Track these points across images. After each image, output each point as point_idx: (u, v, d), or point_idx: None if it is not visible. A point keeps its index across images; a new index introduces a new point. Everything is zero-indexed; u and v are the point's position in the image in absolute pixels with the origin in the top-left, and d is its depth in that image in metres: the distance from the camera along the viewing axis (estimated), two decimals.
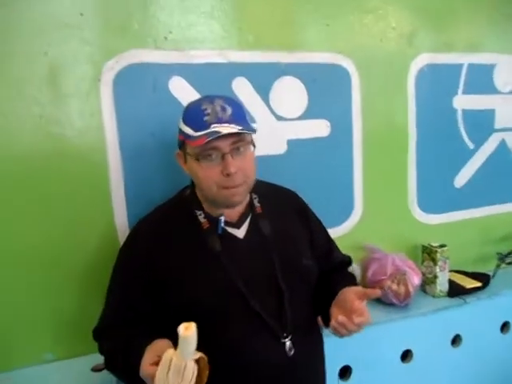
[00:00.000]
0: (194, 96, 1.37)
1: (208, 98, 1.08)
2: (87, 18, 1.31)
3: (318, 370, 1.18)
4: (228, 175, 1.02)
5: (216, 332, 1.04)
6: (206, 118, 1.02)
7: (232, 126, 1.01)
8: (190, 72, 1.43)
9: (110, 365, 1.11)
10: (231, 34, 1.48)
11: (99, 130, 1.36)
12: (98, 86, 1.35)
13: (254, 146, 1.10)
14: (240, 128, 1.01)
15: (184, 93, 1.42)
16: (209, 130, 0.99)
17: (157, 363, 0.86)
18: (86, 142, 1.35)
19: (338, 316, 1.01)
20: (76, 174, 1.36)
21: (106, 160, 1.38)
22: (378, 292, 1.04)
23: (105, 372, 1.30)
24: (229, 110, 1.04)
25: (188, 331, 0.81)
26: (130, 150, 1.40)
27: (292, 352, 1.06)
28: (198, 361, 0.84)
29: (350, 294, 1.04)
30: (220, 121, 1.01)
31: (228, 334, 1.05)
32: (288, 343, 1.06)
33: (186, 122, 1.07)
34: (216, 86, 1.40)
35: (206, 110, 1.04)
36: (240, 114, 1.07)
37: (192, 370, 0.83)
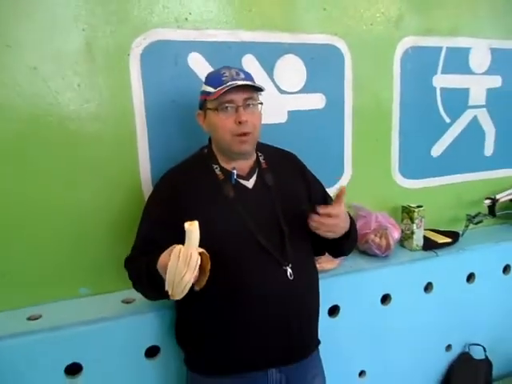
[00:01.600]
0: (210, 69, 1.56)
1: (225, 66, 1.35)
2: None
3: (313, 293, 1.42)
4: (240, 123, 1.27)
5: (230, 262, 1.27)
6: (224, 78, 1.28)
7: (246, 82, 1.27)
8: (206, 49, 1.64)
9: (136, 283, 1.36)
10: (242, 16, 1.68)
11: (128, 98, 1.56)
12: (128, 59, 1.54)
13: (262, 103, 1.34)
14: (252, 82, 1.29)
15: (201, 67, 1.63)
16: (227, 85, 1.25)
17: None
18: (116, 108, 1.55)
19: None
20: (108, 136, 1.56)
21: (133, 124, 1.58)
22: (342, 188, 1.25)
23: (134, 303, 1.56)
24: (242, 74, 1.32)
25: (192, 226, 1.04)
26: (154, 115, 1.60)
27: (292, 277, 1.30)
28: (201, 256, 1.06)
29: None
30: (235, 80, 1.27)
31: (240, 263, 1.28)
32: (289, 270, 1.30)
33: (207, 83, 1.34)
34: (228, 61, 1.54)
35: (224, 73, 1.30)
36: (251, 78, 1.35)
37: (196, 259, 1.04)
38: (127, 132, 1.58)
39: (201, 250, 1.07)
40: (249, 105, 1.30)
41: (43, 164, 1.50)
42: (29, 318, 1.48)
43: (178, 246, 1.06)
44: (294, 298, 1.31)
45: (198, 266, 1.05)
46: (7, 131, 1.44)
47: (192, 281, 1.05)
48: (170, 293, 1.07)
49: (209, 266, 1.08)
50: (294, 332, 1.32)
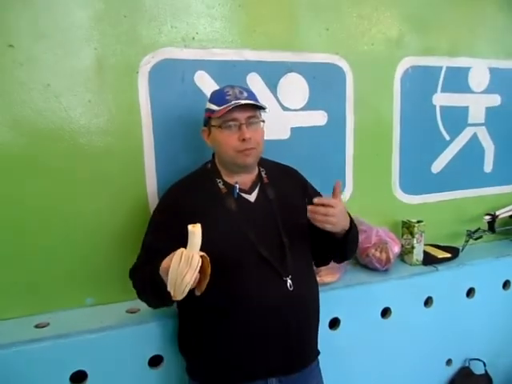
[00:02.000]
0: (215, 87, 1.64)
1: (229, 85, 1.40)
2: (130, 19, 1.57)
3: (313, 304, 1.45)
4: (244, 140, 1.32)
5: (231, 273, 1.31)
6: (227, 97, 1.33)
7: (248, 102, 1.32)
8: (212, 67, 1.70)
9: (139, 292, 1.39)
10: (247, 36, 1.75)
11: (136, 114, 1.62)
12: (136, 77, 1.61)
13: (264, 121, 1.39)
14: (254, 101, 1.34)
15: (206, 84, 1.69)
16: (230, 103, 1.30)
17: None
18: (125, 123, 1.61)
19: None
20: (116, 150, 1.61)
21: (141, 138, 1.64)
22: (337, 182, 1.32)
23: (138, 313, 1.60)
24: (245, 93, 1.37)
25: (195, 228, 1.08)
26: (161, 130, 1.66)
27: (292, 288, 1.33)
28: (202, 259, 1.09)
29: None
30: (238, 99, 1.32)
31: (241, 273, 1.32)
32: (289, 281, 1.33)
33: (211, 101, 1.39)
34: (233, 79, 1.62)
35: (228, 92, 1.36)
36: (254, 97, 1.39)
37: (197, 261, 1.07)
38: (135, 146, 1.64)
39: (202, 253, 1.10)
40: (251, 123, 1.35)
41: (53, 177, 1.55)
42: (36, 326, 1.52)
43: (181, 249, 1.10)
44: (294, 308, 1.34)
45: (198, 268, 1.09)
46: (21, 145, 1.50)
47: (192, 282, 1.08)
48: (171, 293, 1.10)
49: (209, 270, 1.12)
50: (294, 342, 1.35)
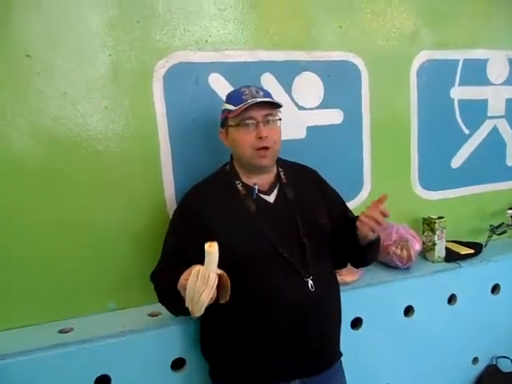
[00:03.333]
0: (230, 89, 1.62)
1: (245, 85, 1.41)
2: (143, 25, 1.58)
3: (334, 304, 1.44)
4: (260, 138, 1.32)
5: (252, 274, 1.31)
6: (244, 97, 1.34)
7: (264, 99, 1.33)
8: (226, 69, 1.70)
9: (161, 299, 1.40)
10: (260, 37, 1.75)
11: (152, 117, 1.63)
12: (151, 81, 1.61)
13: (280, 119, 1.39)
14: (270, 100, 1.34)
15: (221, 86, 1.69)
16: (247, 102, 1.31)
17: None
18: (141, 128, 1.62)
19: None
20: (133, 155, 1.62)
21: (157, 143, 1.65)
22: (385, 195, 1.28)
23: (160, 317, 1.60)
24: (261, 92, 1.38)
25: (212, 247, 1.07)
26: (177, 134, 1.66)
27: (314, 289, 1.32)
28: (220, 277, 1.10)
29: (365, 210, 1.29)
30: (255, 97, 1.33)
31: (262, 275, 1.31)
32: (310, 282, 1.32)
33: (228, 102, 1.40)
34: (247, 80, 1.59)
35: (244, 91, 1.37)
36: (270, 96, 1.40)
37: (214, 279, 1.08)
38: (151, 151, 1.65)
39: (220, 271, 1.10)
40: (268, 121, 1.35)
41: (73, 183, 1.57)
42: (60, 331, 1.53)
43: (197, 267, 1.10)
44: (316, 309, 1.33)
45: (215, 286, 1.09)
46: (40, 154, 1.52)
47: (208, 299, 1.09)
48: (189, 309, 1.12)
49: (229, 283, 1.12)
50: (316, 343, 1.34)
